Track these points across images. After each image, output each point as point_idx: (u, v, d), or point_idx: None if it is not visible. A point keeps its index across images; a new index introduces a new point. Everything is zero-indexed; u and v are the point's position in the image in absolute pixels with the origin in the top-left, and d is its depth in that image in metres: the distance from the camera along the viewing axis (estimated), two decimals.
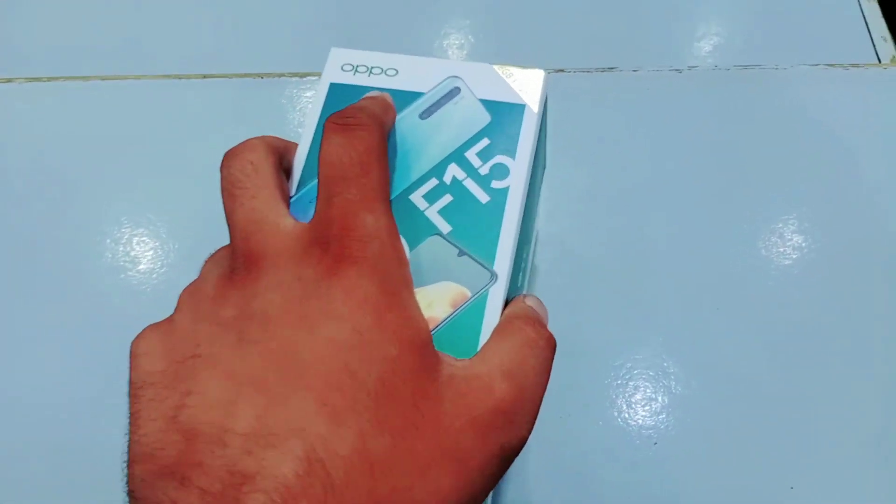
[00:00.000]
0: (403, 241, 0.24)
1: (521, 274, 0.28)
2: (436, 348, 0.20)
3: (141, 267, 0.43)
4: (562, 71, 0.49)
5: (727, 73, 0.48)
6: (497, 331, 0.22)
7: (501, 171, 0.25)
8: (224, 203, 0.22)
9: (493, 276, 0.23)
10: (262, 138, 0.24)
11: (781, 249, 0.42)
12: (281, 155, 0.24)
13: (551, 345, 0.22)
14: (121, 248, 0.43)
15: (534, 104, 0.26)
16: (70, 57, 0.51)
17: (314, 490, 0.16)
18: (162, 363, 0.20)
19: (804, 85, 0.48)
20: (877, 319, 0.40)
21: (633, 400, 0.38)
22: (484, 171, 0.25)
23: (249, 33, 0.53)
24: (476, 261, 0.23)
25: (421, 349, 0.20)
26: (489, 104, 0.26)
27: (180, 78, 0.49)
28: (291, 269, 0.20)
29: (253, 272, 0.20)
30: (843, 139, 0.46)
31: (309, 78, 0.49)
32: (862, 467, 0.37)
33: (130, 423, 0.19)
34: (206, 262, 0.23)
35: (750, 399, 0.38)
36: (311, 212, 0.22)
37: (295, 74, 0.49)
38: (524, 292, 0.27)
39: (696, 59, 0.51)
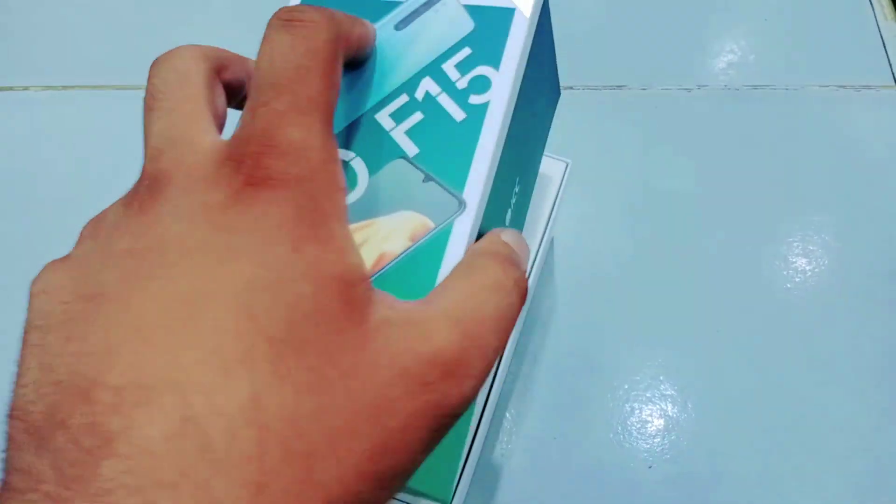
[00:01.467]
0: (364, 166, 0.21)
1: (508, 211, 0.25)
2: (385, 287, 0.18)
3: None
4: (571, 88, 0.49)
5: (737, 93, 0.48)
6: (457, 268, 0.19)
7: (482, 84, 0.21)
8: (143, 118, 0.19)
9: (461, 205, 0.20)
10: (197, 46, 0.21)
11: (785, 273, 0.42)
12: (220, 66, 0.21)
13: (520, 289, 0.19)
14: None
15: (525, 7, 0.22)
16: (84, 67, 0.52)
17: (185, 456, 0.14)
18: (52, 304, 0.17)
19: (815, 106, 0.47)
20: (883, 348, 0.40)
21: (629, 422, 0.38)
22: (462, 84, 0.21)
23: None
24: (443, 187, 0.20)
25: (345, 289, 0.16)
26: (474, 10, 0.23)
27: None
28: (198, 193, 0.17)
29: (156, 196, 0.17)
30: (854, 160, 0.45)
31: None
32: (859, 494, 0.36)
33: (17, 374, 0.17)
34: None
35: (747, 424, 0.38)
36: None
37: None
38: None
39: (706, 79, 0.50)
